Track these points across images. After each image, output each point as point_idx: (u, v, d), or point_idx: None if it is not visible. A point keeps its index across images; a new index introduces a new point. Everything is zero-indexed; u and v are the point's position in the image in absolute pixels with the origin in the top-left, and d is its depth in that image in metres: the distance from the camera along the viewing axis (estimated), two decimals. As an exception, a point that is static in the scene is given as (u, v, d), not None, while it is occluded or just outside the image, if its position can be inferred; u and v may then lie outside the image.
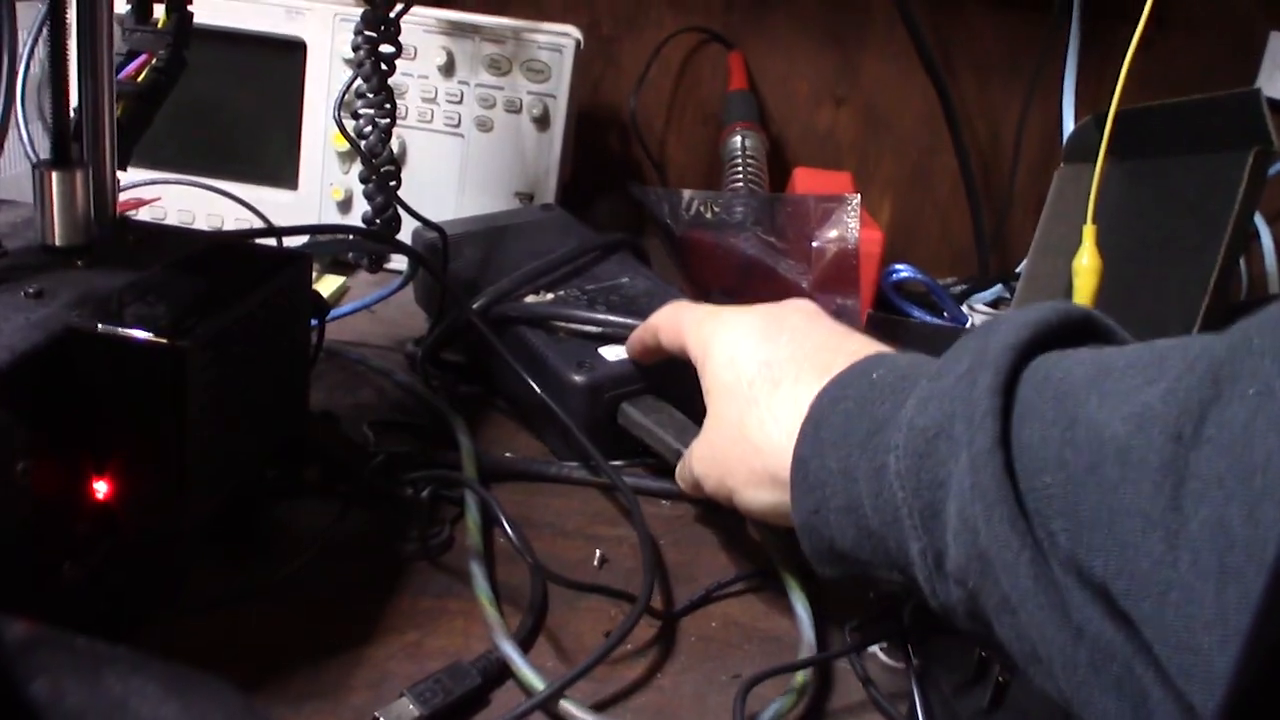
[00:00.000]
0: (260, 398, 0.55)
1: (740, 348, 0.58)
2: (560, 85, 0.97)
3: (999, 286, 1.08)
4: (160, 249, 0.55)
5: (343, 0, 0.97)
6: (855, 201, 0.83)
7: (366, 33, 0.77)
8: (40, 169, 0.51)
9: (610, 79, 1.15)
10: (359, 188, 0.84)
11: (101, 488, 0.46)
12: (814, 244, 0.82)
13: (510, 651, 0.54)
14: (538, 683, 0.52)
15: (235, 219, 0.98)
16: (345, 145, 0.96)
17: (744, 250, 0.85)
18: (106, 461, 0.45)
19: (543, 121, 0.97)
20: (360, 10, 0.78)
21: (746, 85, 1.13)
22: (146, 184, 0.95)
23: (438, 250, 0.80)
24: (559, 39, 0.96)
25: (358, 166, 0.95)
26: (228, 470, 0.52)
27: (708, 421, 0.59)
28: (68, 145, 0.52)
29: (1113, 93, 0.74)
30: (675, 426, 0.70)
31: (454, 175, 0.99)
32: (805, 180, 1.02)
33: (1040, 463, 0.38)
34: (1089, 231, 0.75)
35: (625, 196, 1.02)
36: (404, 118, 0.97)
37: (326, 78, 0.97)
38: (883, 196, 1.17)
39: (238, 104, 1.00)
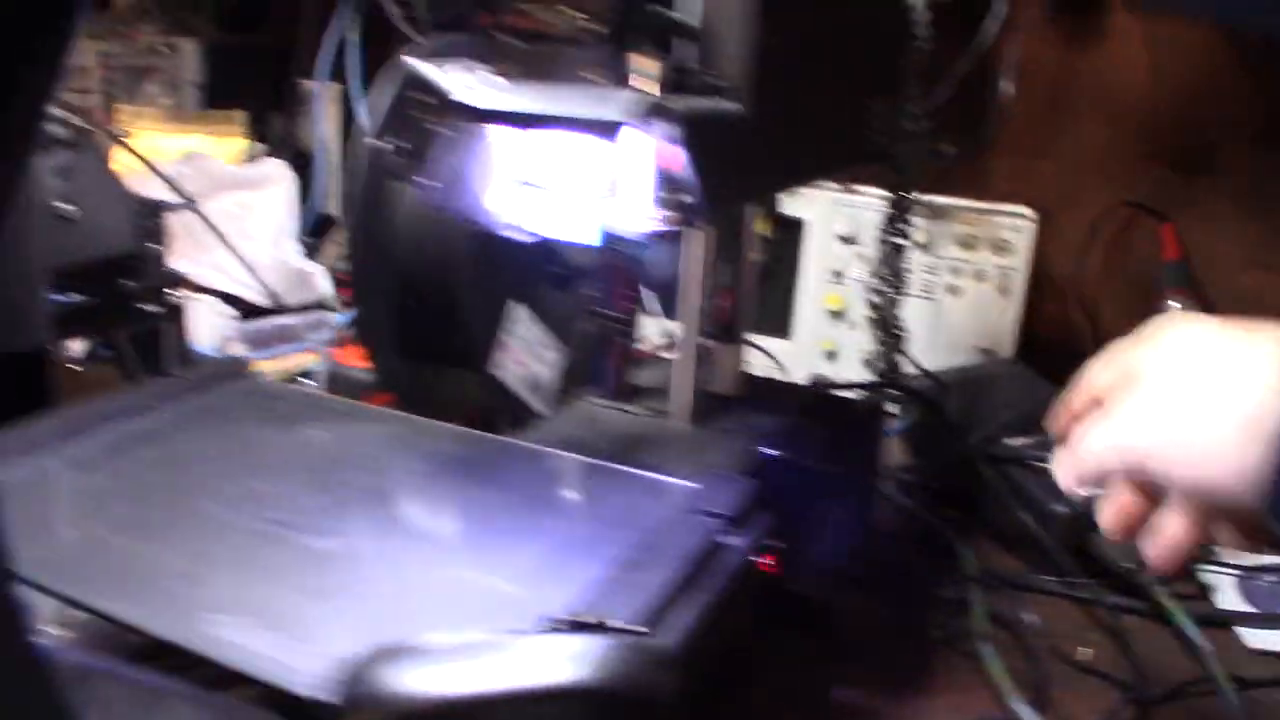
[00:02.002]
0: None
1: (1192, 327, 0.55)
2: (1020, 259, 1.16)
3: None
4: (773, 396, 0.79)
5: (835, 187, 1.21)
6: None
7: (885, 228, 0.99)
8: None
9: (1048, 246, 1.32)
10: (844, 341, 1.06)
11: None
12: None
13: (1023, 710, 0.71)
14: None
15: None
16: (837, 305, 1.19)
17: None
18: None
19: (1004, 289, 1.16)
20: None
21: (1179, 254, 1.26)
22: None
23: (932, 396, 1.01)
24: (1020, 221, 1.15)
25: (843, 323, 1.18)
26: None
27: (1145, 394, 0.54)
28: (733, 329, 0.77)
29: None
30: (1134, 555, 0.85)
31: (926, 332, 1.19)
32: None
33: None
34: None
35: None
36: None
37: (822, 250, 1.21)
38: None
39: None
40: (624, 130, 0.47)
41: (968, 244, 1.17)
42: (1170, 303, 1.22)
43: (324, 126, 1.50)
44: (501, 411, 0.80)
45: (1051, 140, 1.28)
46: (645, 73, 0.49)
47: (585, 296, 0.72)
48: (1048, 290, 1.31)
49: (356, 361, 0.96)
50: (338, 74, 1.50)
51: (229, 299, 1.29)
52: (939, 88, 1.06)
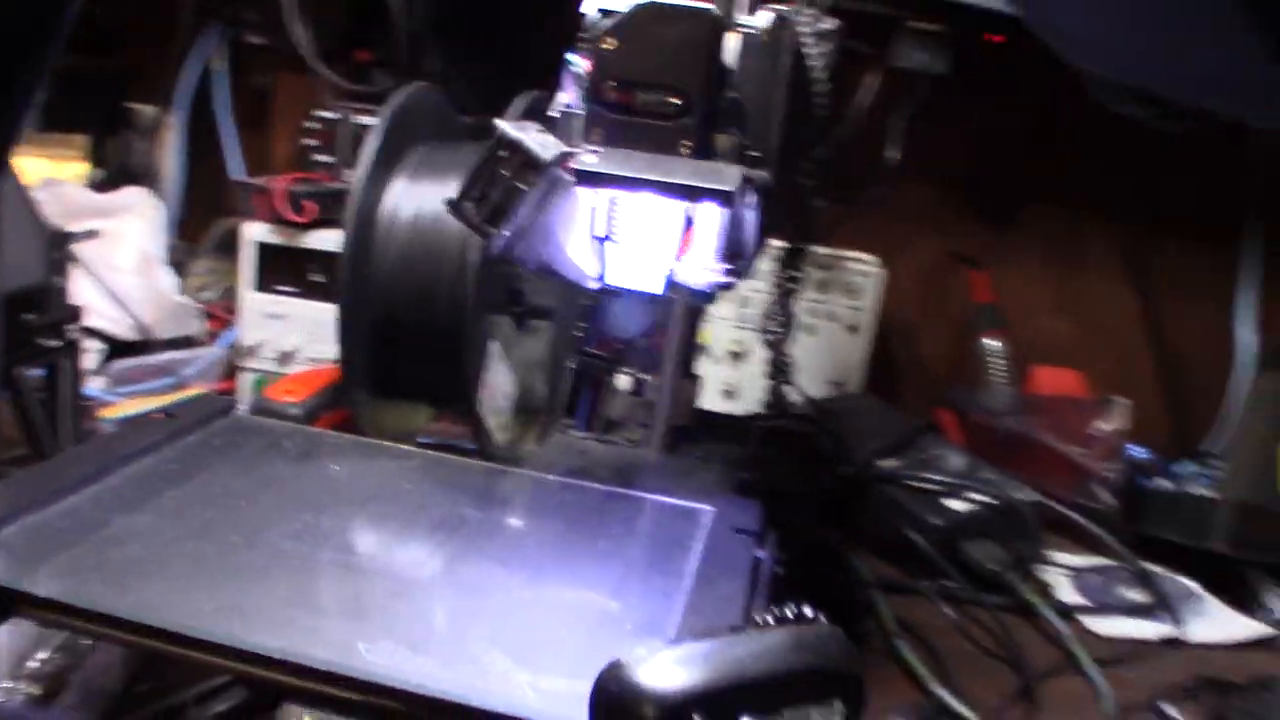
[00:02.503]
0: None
1: None
2: (868, 302, 1.30)
3: (1190, 463, 1.36)
4: (717, 428, 0.87)
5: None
6: (1128, 404, 1.14)
7: (783, 275, 1.09)
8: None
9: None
10: (710, 374, 1.16)
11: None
12: (1096, 432, 1.13)
13: (944, 694, 0.82)
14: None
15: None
16: (703, 341, 1.29)
17: (1029, 433, 1.16)
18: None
19: (854, 329, 1.30)
20: None
21: (991, 299, 1.44)
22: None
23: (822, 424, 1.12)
24: (870, 268, 1.29)
25: (707, 358, 1.29)
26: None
27: None
28: (689, 366, 0.85)
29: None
30: (1001, 560, 0.99)
31: (787, 366, 1.31)
32: (1045, 377, 1.33)
33: None
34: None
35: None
36: (745, 324, 1.30)
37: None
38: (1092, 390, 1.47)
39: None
40: (710, 196, 0.54)
41: (823, 287, 1.30)
42: (986, 341, 1.39)
43: (174, 154, 1.47)
44: (480, 439, 0.84)
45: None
46: (723, 149, 0.56)
47: (572, 337, 0.78)
48: (882, 329, 1.47)
49: (285, 396, 0.97)
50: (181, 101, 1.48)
51: (93, 334, 1.25)
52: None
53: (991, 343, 1.39)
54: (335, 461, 0.70)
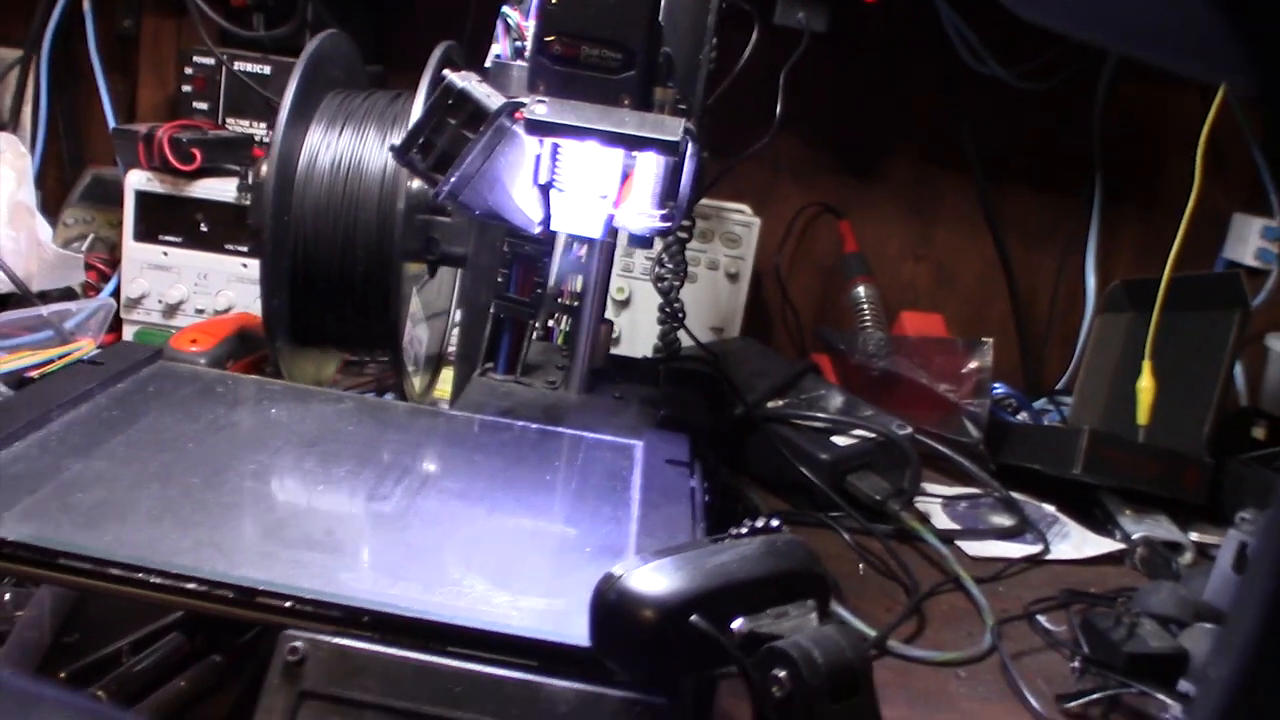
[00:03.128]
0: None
1: None
2: (747, 251, 1.35)
3: (1043, 400, 1.48)
4: (628, 368, 0.91)
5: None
6: (990, 344, 1.23)
7: (672, 224, 1.14)
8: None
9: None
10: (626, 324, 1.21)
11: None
12: (963, 371, 1.22)
13: (842, 611, 0.89)
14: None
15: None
16: (622, 295, 1.33)
17: (901, 373, 1.24)
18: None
19: (734, 277, 1.35)
20: None
21: (855, 247, 1.52)
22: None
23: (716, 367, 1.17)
24: (748, 218, 1.35)
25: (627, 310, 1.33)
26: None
27: None
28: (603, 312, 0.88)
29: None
30: (884, 490, 1.07)
31: (672, 313, 1.35)
32: (910, 321, 1.42)
33: None
34: (1148, 365, 1.15)
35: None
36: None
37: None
38: (950, 332, 1.57)
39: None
40: (654, 147, 0.58)
41: (704, 237, 1.35)
42: (857, 289, 1.47)
43: (34, 100, 1.41)
44: (403, 381, 0.86)
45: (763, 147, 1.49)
46: (662, 101, 0.60)
47: (493, 282, 0.81)
48: (757, 276, 1.53)
49: (190, 346, 0.96)
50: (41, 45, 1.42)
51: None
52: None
53: (861, 289, 1.46)
54: (272, 405, 0.71)
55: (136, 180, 1.19)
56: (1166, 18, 0.33)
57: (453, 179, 0.61)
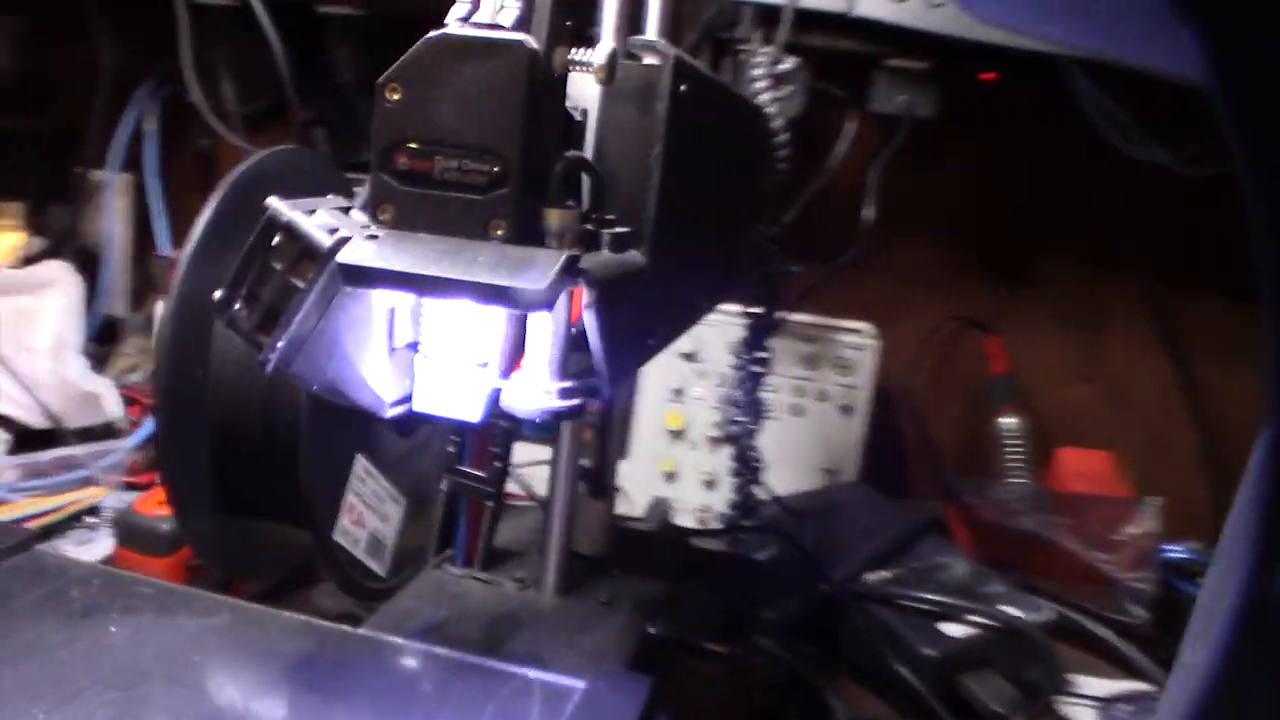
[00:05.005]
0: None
1: None
2: (863, 378, 1.14)
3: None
4: (646, 553, 0.72)
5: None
6: (1158, 504, 0.97)
7: (744, 356, 0.94)
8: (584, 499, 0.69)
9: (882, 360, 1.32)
10: (683, 460, 1.02)
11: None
12: (1122, 535, 0.97)
13: None
14: None
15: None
16: (677, 425, 1.14)
17: (1046, 535, 0.99)
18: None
19: (847, 409, 1.14)
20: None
21: (1006, 368, 1.28)
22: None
23: (789, 529, 0.96)
24: (863, 339, 1.14)
25: (683, 443, 1.14)
26: None
27: None
28: (603, 481, 0.70)
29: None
30: (1007, 698, 0.83)
31: (768, 454, 1.15)
32: (1071, 460, 1.16)
33: None
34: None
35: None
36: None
37: (662, 368, 1.16)
38: (1122, 473, 1.29)
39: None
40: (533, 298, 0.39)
41: (810, 362, 1.15)
42: (1002, 420, 1.22)
43: (113, 221, 1.36)
44: (339, 573, 0.70)
45: (883, 254, 1.28)
46: (556, 228, 0.42)
47: (442, 452, 0.63)
48: (880, 406, 1.31)
49: (156, 509, 0.83)
50: (131, 164, 1.37)
51: (2, 421, 1.13)
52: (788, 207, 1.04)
53: (1008, 421, 1.22)
54: (120, 621, 0.55)
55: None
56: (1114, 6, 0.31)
57: (279, 344, 0.44)
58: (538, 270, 0.39)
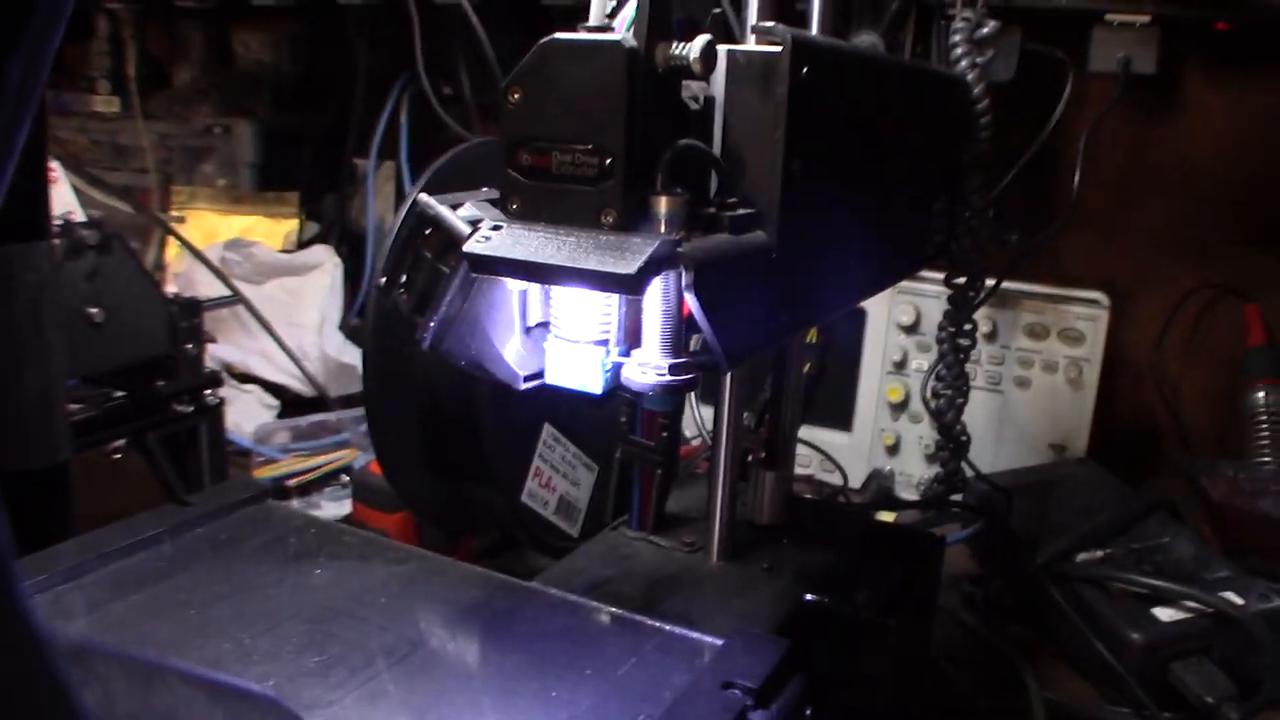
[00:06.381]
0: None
1: None
2: (1093, 348, 1.09)
3: None
4: (823, 524, 0.73)
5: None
6: None
7: (949, 328, 0.93)
8: (756, 468, 0.71)
9: (1124, 331, 1.25)
10: (906, 433, 1.01)
11: None
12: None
13: None
14: None
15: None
16: (898, 398, 1.14)
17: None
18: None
19: (1076, 382, 1.10)
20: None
21: (1265, 339, 1.18)
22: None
23: (997, 506, 0.94)
24: (1093, 309, 1.09)
25: (904, 415, 1.13)
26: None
27: None
28: (776, 452, 0.72)
29: None
30: (1221, 689, 0.78)
31: (992, 428, 1.13)
32: (1334, 439, 1.07)
33: None
34: None
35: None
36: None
37: (883, 340, 1.16)
38: None
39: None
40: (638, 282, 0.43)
41: (1036, 333, 1.11)
42: (1257, 395, 1.14)
43: (377, 206, 1.49)
44: (529, 533, 0.76)
45: (1124, 219, 1.22)
46: (662, 215, 0.45)
47: (617, 420, 0.68)
48: (1122, 380, 1.24)
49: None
50: (389, 154, 1.49)
51: (274, 389, 1.27)
52: (1004, 174, 1.01)
53: (1259, 396, 1.13)
54: (325, 565, 0.63)
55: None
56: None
57: (431, 324, 0.49)
58: (630, 256, 0.42)
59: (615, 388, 0.52)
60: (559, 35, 0.45)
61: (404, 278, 0.51)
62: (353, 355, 1.27)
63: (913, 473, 1.16)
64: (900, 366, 1.16)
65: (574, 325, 0.49)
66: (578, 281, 0.43)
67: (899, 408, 1.16)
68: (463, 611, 0.58)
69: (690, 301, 0.44)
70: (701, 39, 0.45)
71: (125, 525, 0.66)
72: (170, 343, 0.97)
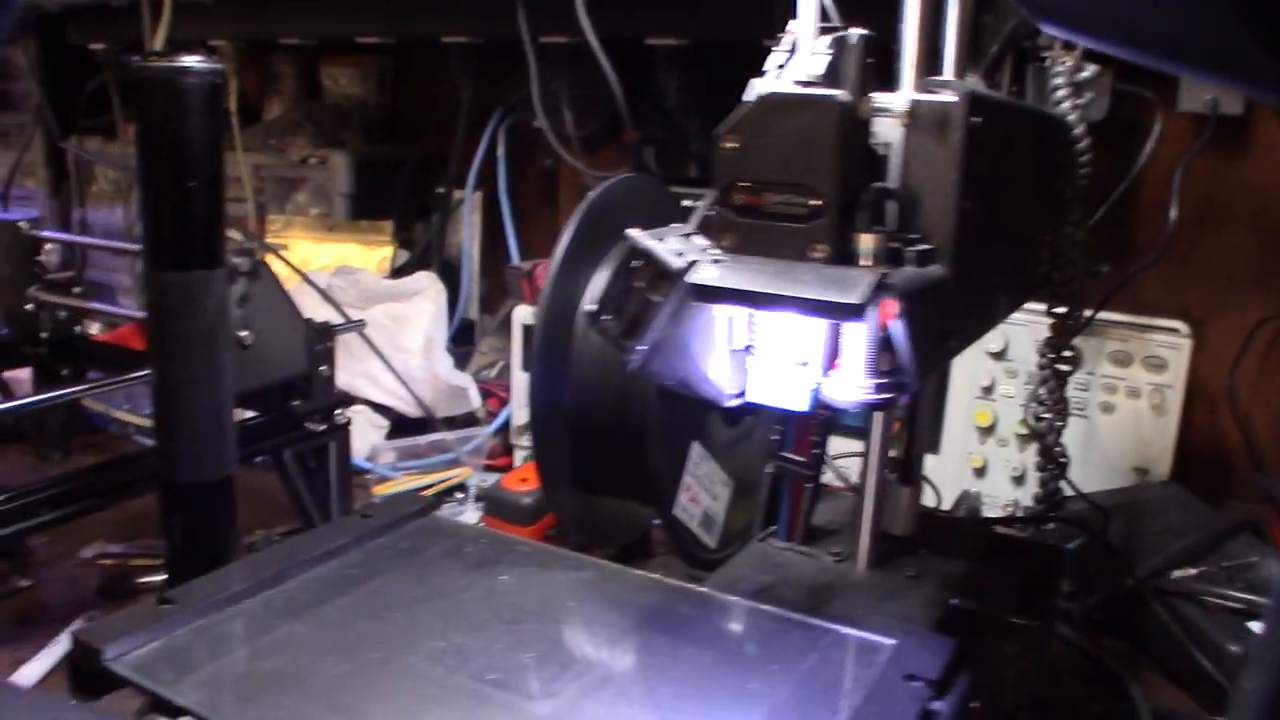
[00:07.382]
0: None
1: None
2: (1175, 375, 1.14)
3: None
4: (952, 536, 0.78)
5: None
6: None
7: (1049, 355, 0.98)
8: (894, 484, 0.76)
9: (1198, 358, 1.29)
10: (992, 456, 1.05)
11: None
12: None
13: None
14: None
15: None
16: (985, 421, 1.19)
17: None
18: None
19: (1159, 408, 1.14)
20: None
21: (1340, 368, 1.23)
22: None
23: (1094, 524, 0.99)
24: (1175, 337, 1.13)
25: (991, 439, 1.18)
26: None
27: None
28: (910, 470, 0.77)
29: None
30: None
31: (1078, 451, 1.17)
32: None
33: None
34: None
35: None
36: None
37: (971, 366, 1.21)
38: None
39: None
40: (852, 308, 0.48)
41: (1120, 360, 1.16)
42: (1333, 420, 1.18)
43: (469, 235, 1.55)
44: (677, 540, 0.81)
45: (1198, 250, 1.26)
46: (867, 250, 0.50)
47: (768, 439, 0.73)
48: (1198, 405, 1.29)
49: (519, 485, 0.98)
50: (483, 184, 1.55)
51: (381, 410, 1.33)
52: (1095, 209, 1.06)
53: (1339, 422, 1.18)
54: (509, 571, 0.68)
55: (522, 315, 1.25)
56: (1191, 27, 0.33)
57: (642, 348, 0.55)
58: (854, 286, 0.48)
59: (752, 408, 0.57)
60: (777, 89, 0.51)
61: (613, 306, 0.56)
62: (459, 378, 1.33)
63: (1000, 495, 1.21)
64: (988, 392, 1.21)
65: (778, 349, 0.54)
66: (804, 309, 0.48)
67: (987, 431, 1.20)
68: (647, 613, 0.64)
69: (896, 328, 0.50)
70: (906, 94, 0.51)
71: (317, 535, 0.72)
72: (309, 365, 1.03)
